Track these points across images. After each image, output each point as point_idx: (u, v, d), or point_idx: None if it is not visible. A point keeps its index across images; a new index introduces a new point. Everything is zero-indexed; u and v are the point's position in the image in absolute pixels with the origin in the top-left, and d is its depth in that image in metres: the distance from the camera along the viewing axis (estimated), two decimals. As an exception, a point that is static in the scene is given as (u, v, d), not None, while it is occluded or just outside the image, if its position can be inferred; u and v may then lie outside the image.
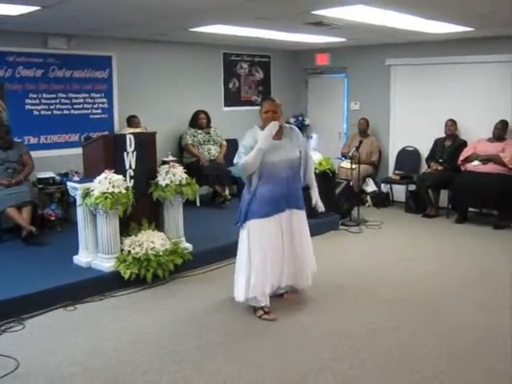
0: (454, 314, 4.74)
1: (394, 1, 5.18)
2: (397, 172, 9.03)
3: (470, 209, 8.01)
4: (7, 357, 3.96)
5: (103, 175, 5.28)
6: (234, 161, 4.59)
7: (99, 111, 7.91)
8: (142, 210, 5.64)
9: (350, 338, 4.27)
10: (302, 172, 4.76)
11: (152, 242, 5.45)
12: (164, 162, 6.13)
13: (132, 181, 5.63)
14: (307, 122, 10.26)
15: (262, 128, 4.55)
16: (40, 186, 6.90)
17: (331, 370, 3.77)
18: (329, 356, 3.98)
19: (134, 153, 5.65)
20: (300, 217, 4.79)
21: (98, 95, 7.86)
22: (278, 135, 4.59)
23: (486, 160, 7.63)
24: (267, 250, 4.57)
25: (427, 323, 4.54)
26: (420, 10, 5.63)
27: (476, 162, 7.70)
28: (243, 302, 4.67)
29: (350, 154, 8.06)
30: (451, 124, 8.25)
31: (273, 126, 4.47)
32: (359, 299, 5.07)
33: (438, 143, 8.39)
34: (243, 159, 4.47)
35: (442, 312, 4.78)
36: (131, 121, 7.83)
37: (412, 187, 8.56)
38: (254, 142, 4.48)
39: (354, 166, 8.06)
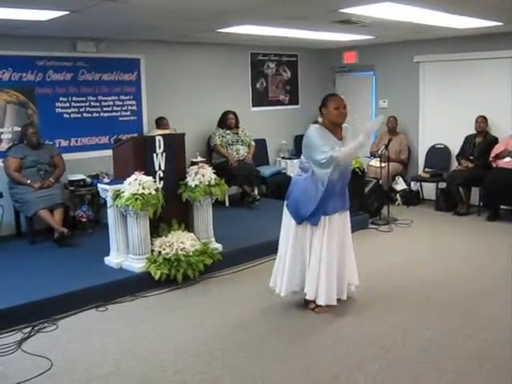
0: (485, 312, 4.68)
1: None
2: (427, 170, 8.95)
3: (502, 206, 7.89)
4: (41, 356, 4.03)
5: (133, 177, 5.33)
6: (321, 156, 4.36)
7: (128, 113, 7.98)
8: (171, 210, 5.67)
9: (381, 337, 4.24)
10: None
11: (182, 242, 5.48)
12: (193, 163, 6.14)
13: (161, 182, 5.67)
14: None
15: (326, 126, 4.48)
16: (71, 188, 6.97)
17: (361, 371, 3.74)
18: (359, 356, 3.96)
19: (164, 154, 5.70)
20: (347, 218, 4.78)
21: (127, 97, 7.94)
22: (340, 135, 4.57)
23: (517, 156, 7.52)
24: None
25: (458, 322, 4.49)
26: (447, 5, 5.56)
27: (508, 159, 7.59)
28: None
29: (379, 152, 8.01)
30: (482, 120, 8.13)
31: (377, 125, 4.69)
32: (390, 298, 5.04)
33: (469, 140, 8.28)
34: (340, 151, 4.36)
35: (473, 311, 4.72)
36: (160, 122, 7.88)
37: (442, 185, 8.46)
38: (326, 142, 4.38)
39: (383, 165, 8.00)
